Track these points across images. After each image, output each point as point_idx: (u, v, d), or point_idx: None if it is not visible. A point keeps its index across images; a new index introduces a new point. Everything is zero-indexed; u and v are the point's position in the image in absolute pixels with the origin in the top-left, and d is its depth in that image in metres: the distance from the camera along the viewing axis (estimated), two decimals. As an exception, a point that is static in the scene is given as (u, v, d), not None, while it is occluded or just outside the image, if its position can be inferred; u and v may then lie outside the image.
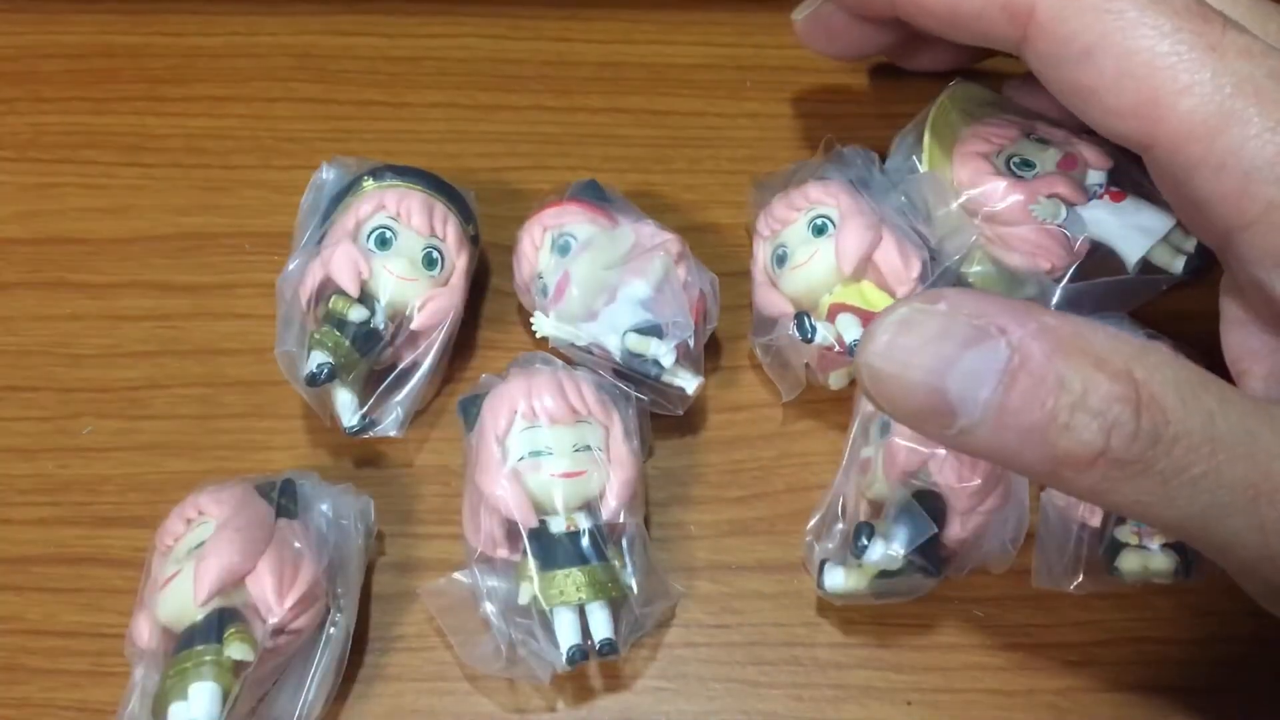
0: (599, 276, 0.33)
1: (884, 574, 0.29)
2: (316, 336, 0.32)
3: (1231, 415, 0.22)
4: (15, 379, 0.36)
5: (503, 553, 0.31)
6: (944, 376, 0.21)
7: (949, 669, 0.32)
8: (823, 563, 0.31)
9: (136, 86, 0.41)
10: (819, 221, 0.34)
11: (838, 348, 0.32)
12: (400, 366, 0.34)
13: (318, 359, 0.32)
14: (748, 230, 0.37)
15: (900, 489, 0.30)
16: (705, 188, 0.39)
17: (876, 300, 0.33)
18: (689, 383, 0.33)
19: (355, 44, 0.42)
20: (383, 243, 0.34)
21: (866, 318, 0.32)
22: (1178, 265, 0.35)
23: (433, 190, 0.35)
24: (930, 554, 0.29)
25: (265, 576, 0.29)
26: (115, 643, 0.31)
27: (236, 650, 0.28)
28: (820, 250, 0.33)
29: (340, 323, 0.33)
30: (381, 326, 0.33)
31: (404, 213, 0.34)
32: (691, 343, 0.33)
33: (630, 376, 0.33)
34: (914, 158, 0.35)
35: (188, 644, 0.28)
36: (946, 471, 0.30)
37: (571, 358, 0.33)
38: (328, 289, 0.33)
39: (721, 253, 0.38)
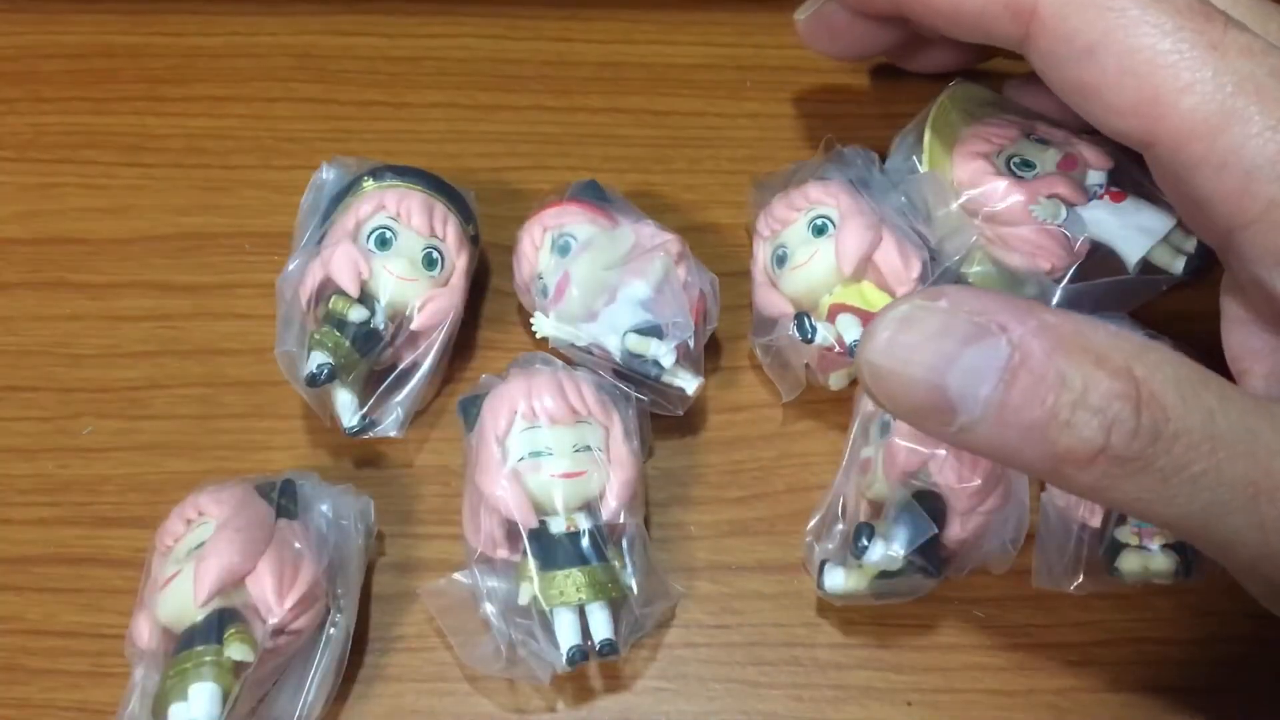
0: (599, 277, 0.33)
1: (884, 574, 0.29)
2: (316, 337, 0.32)
3: (1232, 413, 0.22)
4: (15, 379, 0.36)
5: (503, 553, 0.31)
6: (945, 373, 0.21)
7: (949, 669, 0.32)
8: (823, 563, 0.31)
9: (136, 86, 0.41)
10: (819, 222, 0.34)
11: (838, 348, 0.32)
12: (400, 367, 0.34)
13: (318, 359, 0.32)
14: (748, 230, 0.37)
15: (900, 489, 0.30)
16: (705, 188, 0.39)
17: (876, 300, 0.33)
18: (689, 383, 0.33)
19: (355, 44, 0.42)
20: (383, 243, 0.34)
21: (866, 318, 0.32)
22: (1178, 265, 0.35)
23: (433, 190, 0.35)
24: (930, 554, 0.29)
25: (265, 577, 0.29)
26: (115, 643, 0.31)
27: (236, 651, 0.28)
28: (820, 250, 0.33)
29: (340, 323, 0.32)
30: (381, 327, 0.33)
31: (404, 213, 0.34)
32: (691, 343, 0.33)
33: (630, 377, 0.33)
34: (914, 158, 0.35)
35: (188, 644, 0.28)
36: (947, 472, 0.30)
37: (571, 358, 0.33)
38: (328, 289, 0.33)
39: (721, 253, 0.38)
